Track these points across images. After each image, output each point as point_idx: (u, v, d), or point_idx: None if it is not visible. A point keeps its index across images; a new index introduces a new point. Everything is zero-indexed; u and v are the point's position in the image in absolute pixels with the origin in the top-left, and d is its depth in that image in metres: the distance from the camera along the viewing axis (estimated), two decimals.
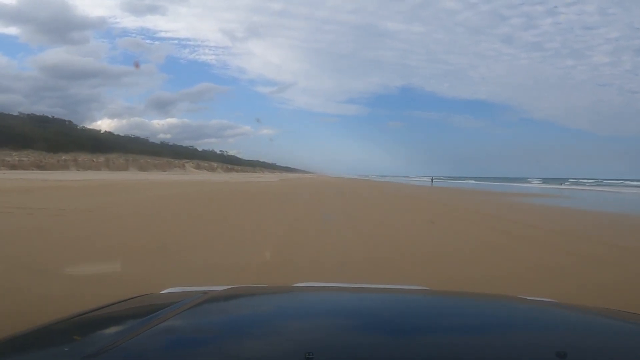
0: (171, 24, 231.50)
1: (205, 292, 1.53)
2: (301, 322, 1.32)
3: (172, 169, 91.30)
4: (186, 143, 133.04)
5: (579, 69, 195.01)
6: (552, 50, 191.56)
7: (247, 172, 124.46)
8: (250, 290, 1.87)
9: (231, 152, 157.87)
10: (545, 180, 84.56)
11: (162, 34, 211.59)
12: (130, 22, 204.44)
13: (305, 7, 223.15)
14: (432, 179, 78.08)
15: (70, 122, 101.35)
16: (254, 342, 1.11)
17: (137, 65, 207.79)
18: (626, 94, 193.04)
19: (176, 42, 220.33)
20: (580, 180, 75.39)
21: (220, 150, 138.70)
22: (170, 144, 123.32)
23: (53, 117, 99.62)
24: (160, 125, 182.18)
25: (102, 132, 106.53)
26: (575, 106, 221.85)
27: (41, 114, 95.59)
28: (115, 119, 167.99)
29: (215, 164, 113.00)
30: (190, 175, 67.01)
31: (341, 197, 22.94)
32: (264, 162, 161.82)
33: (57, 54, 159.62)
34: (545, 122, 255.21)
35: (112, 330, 1.21)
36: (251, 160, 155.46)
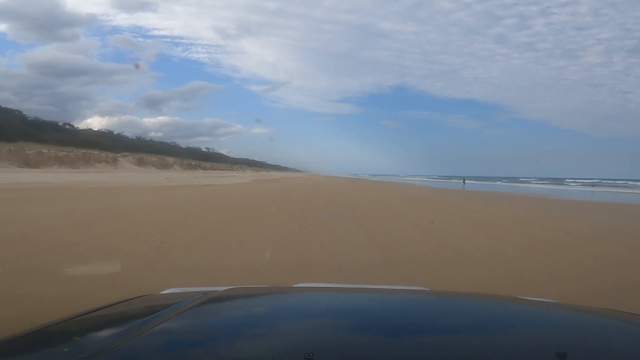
0: (165, 22, 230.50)
1: (205, 293, 1.53)
2: (301, 323, 1.32)
3: (93, 165, 66.60)
4: (178, 141, 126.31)
5: (571, 70, 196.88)
6: (544, 51, 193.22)
7: (220, 170, 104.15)
8: (250, 290, 1.87)
9: (222, 151, 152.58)
10: (542, 180, 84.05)
11: (155, 32, 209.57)
12: (122, 19, 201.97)
13: (302, 6, 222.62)
14: (464, 180, 57.41)
15: None
16: (254, 342, 1.12)
17: (137, 65, 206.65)
18: (618, 94, 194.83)
19: (169, 40, 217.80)
20: (578, 181, 74.99)
21: (207, 148, 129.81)
22: (147, 139, 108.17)
23: None
24: (152, 124, 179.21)
25: None
26: (568, 107, 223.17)
27: None
28: (106, 117, 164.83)
29: (171, 160, 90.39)
30: (107, 175, 46.95)
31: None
32: (253, 161, 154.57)
33: (47, 51, 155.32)
34: (537, 122, 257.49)
35: (112, 330, 1.21)
36: (239, 159, 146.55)
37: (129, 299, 1.57)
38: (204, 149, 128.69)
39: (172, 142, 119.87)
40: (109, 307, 1.45)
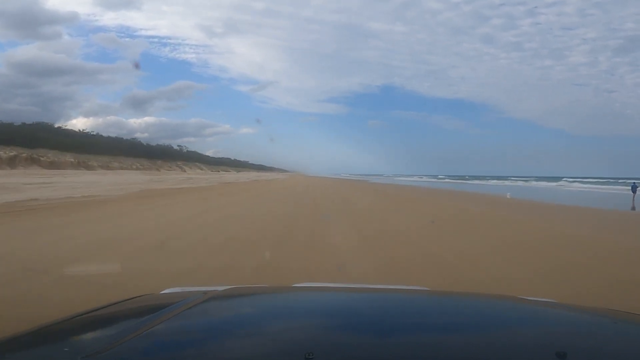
0: (152, 22, 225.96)
1: (205, 293, 1.53)
2: (301, 322, 1.32)
3: None
4: (164, 142, 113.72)
5: (557, 69, 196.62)
6: (531, 51, 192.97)
7: (125, 170, 66.44)
8: (250, 290, 1.86)
9: (209, 152, 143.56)
10: (540, 180, 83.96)
11: (143, 32, 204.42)
12: (108, 19, 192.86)
13: (290, 6, 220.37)
14: (634, 189, 29.93)
15: None
16: (254, 342, 1.11)
17: (137, 65, 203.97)
18: (603, 93, 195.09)
19: (157, 40, 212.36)
20: (577, 180, 74.85)
21: (179, 146, 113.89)
22: (93, 133, 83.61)
23: None
24: (138, 124, 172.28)
25: None
26: (553, 106, 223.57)
27: None
28: (91, 118, 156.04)
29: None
30: None
31: None
32: (235, 160, 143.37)
33: (29, 50, 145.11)
34: (524, 122, 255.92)
35: (112, 330, 1.20)
36: (221, 158, 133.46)
37: (129, 299, 1.57)
38: (175, 147, 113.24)
39: (133, 138, 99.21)
40: (109, 307, 1.44)
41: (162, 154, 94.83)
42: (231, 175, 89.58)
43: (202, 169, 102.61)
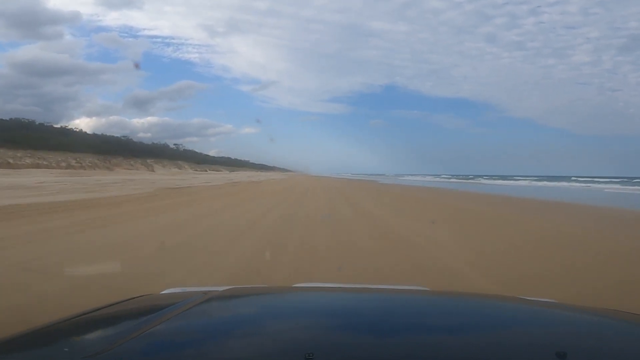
0: (154, 22, 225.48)
1: (205, 293, 1.53)
2: (301, 323, 1.32)
3: None
4: (167, 142, 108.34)
5: (560, 68, 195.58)
6: (533, 50, 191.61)
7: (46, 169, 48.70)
8: (250, 290, 1.87)
9: (212, 151, 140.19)
10: (550, 180, 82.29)
11: (145, 32, 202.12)
12: (110, 19, 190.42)
13: (291, 6, 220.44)
14: None
15: None
16: (254, 342, 1.12)
17: (137, 65, 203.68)
18: (606, 92, 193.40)
19: (160, 40, 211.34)
20: (580, 179, 73.41)
21: (175, 144, 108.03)
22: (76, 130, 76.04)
23: None
24: (141, 124, 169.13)
25: None
26: (556, 105, 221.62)
27: None
28: (94, 118, 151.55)
29: None
30: None
31: None
32: (236, 160, 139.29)
33: (30, 50, 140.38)
34: (526, 121, 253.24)
35: (113, 330, 1.21)
36: (219, 157, 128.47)
37: (129, 299, 1.58)
38: (172, 146, 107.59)
39: (124, 137, 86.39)
40: (109, 307, 1.45)
41: (149, 152, 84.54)
42: (209, 176, 71.13)
43: (181, 169, 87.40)
